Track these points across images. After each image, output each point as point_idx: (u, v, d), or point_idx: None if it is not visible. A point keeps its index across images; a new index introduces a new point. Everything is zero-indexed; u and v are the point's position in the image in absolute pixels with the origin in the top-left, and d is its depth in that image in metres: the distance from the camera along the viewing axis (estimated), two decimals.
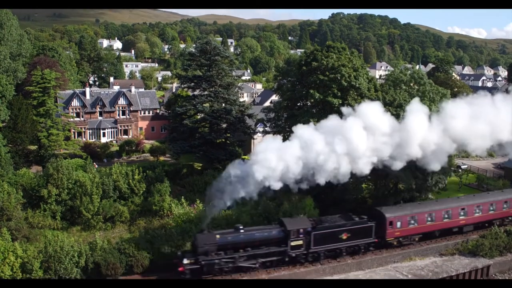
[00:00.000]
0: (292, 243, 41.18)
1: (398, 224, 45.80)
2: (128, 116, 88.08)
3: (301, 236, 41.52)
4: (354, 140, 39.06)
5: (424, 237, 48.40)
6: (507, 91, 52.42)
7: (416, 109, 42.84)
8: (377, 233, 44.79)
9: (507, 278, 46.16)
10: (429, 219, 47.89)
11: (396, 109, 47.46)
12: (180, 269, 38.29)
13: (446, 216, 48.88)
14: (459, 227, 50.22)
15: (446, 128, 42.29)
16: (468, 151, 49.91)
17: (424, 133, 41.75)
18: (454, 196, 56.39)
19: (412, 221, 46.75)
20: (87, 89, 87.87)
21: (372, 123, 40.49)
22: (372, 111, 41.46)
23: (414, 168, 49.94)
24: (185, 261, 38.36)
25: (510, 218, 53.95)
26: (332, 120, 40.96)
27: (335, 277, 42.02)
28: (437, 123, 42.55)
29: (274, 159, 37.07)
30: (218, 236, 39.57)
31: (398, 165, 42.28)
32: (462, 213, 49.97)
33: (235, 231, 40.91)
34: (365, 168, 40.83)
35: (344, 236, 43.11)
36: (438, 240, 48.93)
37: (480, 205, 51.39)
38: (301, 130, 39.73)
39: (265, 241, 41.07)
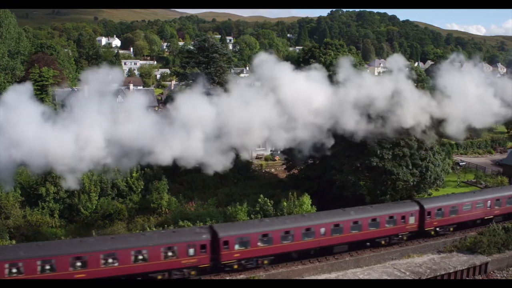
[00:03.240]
0: None
1: None
2: None
3: None
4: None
5: None
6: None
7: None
8: None
9: (505, 275, 46.22)
10: (47, 267, 33.32)
11: None
12: None
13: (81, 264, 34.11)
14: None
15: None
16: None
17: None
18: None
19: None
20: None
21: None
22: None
23: (411, 165, 50.19)
24: None
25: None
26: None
27: (333, 274, 41.98)
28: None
29: None
30: None
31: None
32: (106, 261, 35.20)
33: None
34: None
35: None
36: (436, 237, 48.97)
37: (143, 250, 36.16)
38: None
39: None
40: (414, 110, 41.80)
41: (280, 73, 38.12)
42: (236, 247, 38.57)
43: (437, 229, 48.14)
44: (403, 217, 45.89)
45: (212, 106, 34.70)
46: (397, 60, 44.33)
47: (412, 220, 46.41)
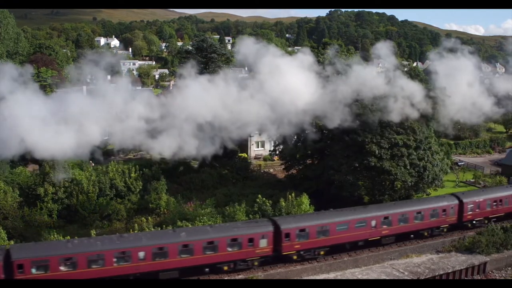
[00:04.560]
0: None
1: None
2: None
3: None
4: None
5: None
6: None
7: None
8: None
9: (503, 275, 46.24)
10: None
11: None
12: None
13: None
14: None
15: None
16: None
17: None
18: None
19: None
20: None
21: None
22: None
23: (409, 165, 50.19)
24: None
25: None
26: None
27: (332, 274, 41.98)
28: None
29: None
30: None
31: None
32: None
33: None
34: None
35: None
36: (434, 237, 48.93)
37: None
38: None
39: None
40: (403, 102, 41.56)
41: (267, 60, 37.18)
42: (33, 271, 33.90)
43: (302, 252, 41.73)
44: (250, 240, 39.56)
45: (203, 99, 34.44)
46: (384, 49, 43.65)
47: (264, 243, 40.14)
